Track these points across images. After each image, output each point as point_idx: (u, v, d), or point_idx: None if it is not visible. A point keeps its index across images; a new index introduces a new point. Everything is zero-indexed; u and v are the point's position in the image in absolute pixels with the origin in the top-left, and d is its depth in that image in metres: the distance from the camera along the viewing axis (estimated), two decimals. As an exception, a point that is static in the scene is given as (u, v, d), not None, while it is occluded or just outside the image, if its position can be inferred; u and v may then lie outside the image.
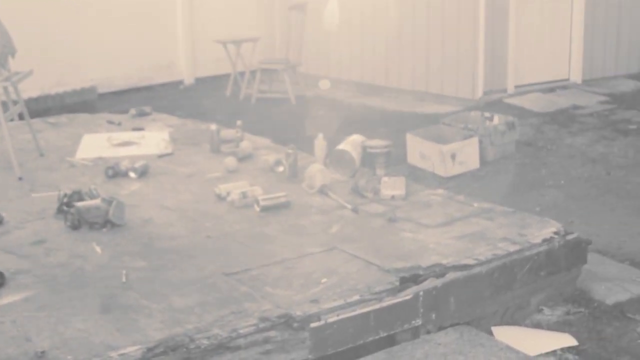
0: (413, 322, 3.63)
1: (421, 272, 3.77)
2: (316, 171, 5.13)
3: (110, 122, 7.20)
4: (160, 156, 5.96)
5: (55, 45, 9.11)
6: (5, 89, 6.02)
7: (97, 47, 9.41)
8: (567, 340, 3.79)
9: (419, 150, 6.59)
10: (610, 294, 4.21)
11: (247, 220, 4.61)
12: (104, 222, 4.46)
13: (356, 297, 3.54)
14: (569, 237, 4.21)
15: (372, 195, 4.93)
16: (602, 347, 3.76)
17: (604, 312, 4.07)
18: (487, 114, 7.03)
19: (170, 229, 4.48)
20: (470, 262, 3.89)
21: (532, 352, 3.61)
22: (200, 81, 10.48)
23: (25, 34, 7.68)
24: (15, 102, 6.18)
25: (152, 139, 6.43)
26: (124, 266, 3.93)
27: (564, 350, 3.72)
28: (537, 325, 4.00)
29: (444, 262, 3.88)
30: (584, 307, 4.13)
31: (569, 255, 4.18)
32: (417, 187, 5.20)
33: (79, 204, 4.55)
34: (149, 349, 3.11)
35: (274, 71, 9.54)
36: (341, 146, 5.56)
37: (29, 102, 7.48)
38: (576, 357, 3.68)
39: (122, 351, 3.10)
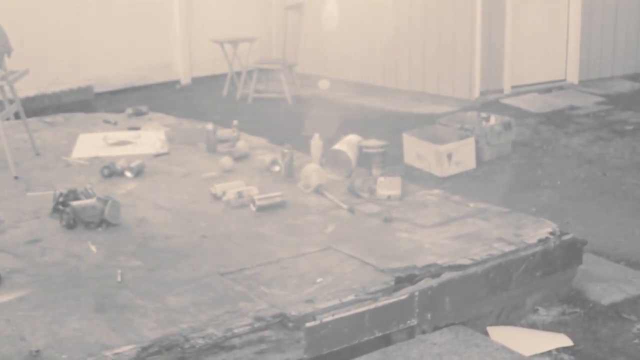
0: (408, 322, 3.63)
1: (417, 272, 3.77)
2: (312, 171, 5.13)
3: (107, 122, 7.19)
4: (156, 156, 5.96)
5: (52, 44, 9.10)
6: (1, 88, 6.02)
7: (94, 46, 9.41)
8: (563, 340, 3.79)
9: (415, 150, 6.59)
10: (605, 294, 4.21)
11: (243, 220, 4.60)
12: (99, 221, 4.46)
13: (351, 297, 3.54)
14: (565, 237, 4.21)
15: (368, 195, 4.93)
16: (598, 347, 3.76)
17: (599, 312, 4.07)
18: (483, 114, 7.03)
19: (166, 229, 4.47)
20: (466, 262, 3.89)
21: (527, 353, 3.61)
22: (197, 81, 10.48)
23: (22, 33, 7.69)
24: (11, 101, 6.18)
25: (148, 139, 6.42)
26: (119, 266, 3.92)
27: (559, 350, 3.72)
28: (533, 326, 4.00)
29: (440, 262, 3.88)
30: (580, 308, 4.13)
31: (564, 255, 4.18)
32: (413, 187, 5.20)
33: (75, 203, 4.55)
34: (144, 349, 3.11)
35: (271, 71, 9.54)
36: (337, 146, 5.55)
37: (26, 101, 7.47)
38: (571, 357, 3.68)
39: (117, 350, 3.09)
